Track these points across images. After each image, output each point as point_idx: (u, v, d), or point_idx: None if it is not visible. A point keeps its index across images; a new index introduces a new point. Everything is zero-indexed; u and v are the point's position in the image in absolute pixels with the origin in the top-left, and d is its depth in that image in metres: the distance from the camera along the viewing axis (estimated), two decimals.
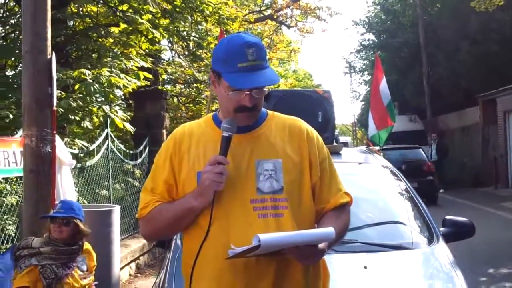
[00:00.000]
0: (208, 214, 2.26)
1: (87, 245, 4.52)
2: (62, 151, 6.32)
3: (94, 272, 4.57)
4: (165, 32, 10.70)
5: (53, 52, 5.27)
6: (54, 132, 5.25)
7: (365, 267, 3.31)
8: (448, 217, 4.21)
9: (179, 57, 15.90)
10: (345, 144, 35.82)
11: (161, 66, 15.01)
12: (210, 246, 2.26)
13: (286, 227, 2.24)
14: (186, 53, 14.31)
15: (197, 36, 12.44)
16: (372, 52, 36.78)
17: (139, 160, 10.87)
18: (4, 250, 5.32)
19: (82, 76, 8.05)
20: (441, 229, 4.05)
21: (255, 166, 2.31)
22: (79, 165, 7.93)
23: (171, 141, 2.45)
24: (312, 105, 4.89)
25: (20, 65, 7.22)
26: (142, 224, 2.44)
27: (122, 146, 10.16)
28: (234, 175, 2.27)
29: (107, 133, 8.96)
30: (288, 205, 2.30)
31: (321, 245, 2.19)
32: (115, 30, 10.93)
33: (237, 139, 2.30)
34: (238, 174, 2.29)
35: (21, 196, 5.80)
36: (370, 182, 4.57)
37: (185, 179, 2.35)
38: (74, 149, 7.99)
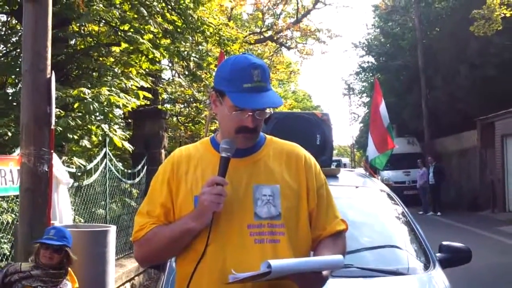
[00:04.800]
0: (204, 238, 2.24)
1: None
2: (60, 170, 6.32)
3: None
4: (165, 52, 10.76)
5: (53, 71, 5.29)
6: (52, 151, 5.25)
7: None
8: (444, 243, 4.19)
9: (179, 77, 15.97)
10: (344, 165, 35.73)
11: (161, 85, 15.05)
12: (205, 269, 2.24)
13: (283, 254, 2.23)
14: (186, 73, 14.36)
15: (197, 56, 12.49)
16: (371, 74, 37.00)
17: (137, 180, 10.85)
18: None
19: (82, 95, 8.08)
20: (438, 254, 4.03)
21: (253, 191, 2.30)
22: (76, 183, 7.92)
23: (169, 164, 2.42)
24: (310, 127, 4.89)
25: (21, 83, 7.25)
26: (136, 247, 2.40)
27: (120, 165, 10.15)
28: (231, 199, 2.25)
29: (105, 152, 8.95)
30: (285, 231, 2.28)
31: (325, 272, 2.18)
32: (116, 49, 10.99)
33: (235, 163, 2.28)
34: (236, 198, 2.27)
35: (17, 214, 5.78)
36: (367, 206, 4.55)
37: (182, 203, 2.33)
38: (72, 167, 7.98)
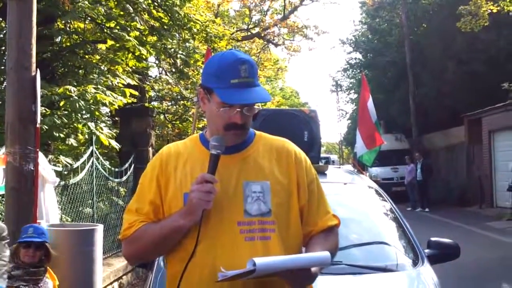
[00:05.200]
0: (194, 236, 2.22)
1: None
2: (46, 168, 6.26)
3: None
4: (152, 49, 10.70)
5: (38, 69, 5.24)
6: (37, 149, 5.21)
7: None
8: (433, 239, 4.19)
9: (166, 74, 15.91)
10: (333, 162, 35.84)
11: (148, 83, 14.98)
12: (196, 268, 2.22)
13: (274, 251, 2.21)
14: (173, 70, 14.30)
15: (184, 53, 12.43)
16: (359, 71, 37.05)
17: (124, 178, 10.79)
18: None
19: (68, 92, 8.01)
20: (426, 250, 4.03)
21: (243, 188, 2.27)
22: (62, 182, 7.85)
23: (157, 161, 2.40)
24: (298, 124, 4.88)
25: (5, 81, 7.17)
26: (125, 245, 2.37)
27: (107, 164, 10.08)
28: (221, 197, 2.23)
29: (92, 150, 8.88)
30: (276, 228, 2.26)
31: (313, 269, 2.16)
32: (102, 46, 10.91)
33: (224, 160, 2.26)
34: (225, 195, 2.25)
35: (3, 213, 5.73)
36: (355, 203, 4.54)
37: (171, 200, 2.30)
38: (58, 166, 7.91)
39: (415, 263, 3.78)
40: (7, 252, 3.76)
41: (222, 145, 2.24)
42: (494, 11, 18.13)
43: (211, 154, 2.23)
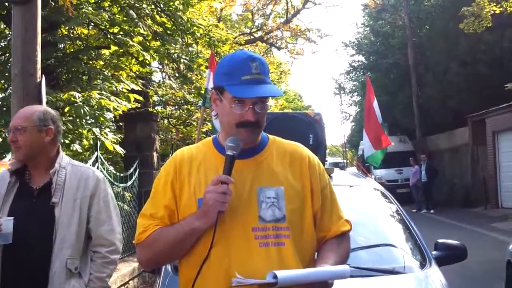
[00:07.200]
0: (208, 241, 2.22)
1: None
2: None
3: None
4: (155, 54, 10.71)
5: (43, 75, 5.25)
6: None
7: None
8: (440, 240, 4.18)
9: (170, 79, 15.92)
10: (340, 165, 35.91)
11: (151, 88, 14.99)
12: (211, 271, 2.22)
13: (288, 257, 2.22)
14: (177, 75, 14.32)
15: (187, 58, 12.45)
16: (362, 73, 37.04)
17: (129, 183, 10.78)
18: None
19: (72, 98, 8.02)
20: (434, 252, 4.01)
21: (257, 194, 2.27)
22: None
23: (171, 165, 2.38)
24: (303, 127, 4.86)
25: (10, 87, 7.19)
26: (140, 249, 2.36)
27: (112, 169, 10.08)
28: (235, 202, 2.22)
29: (97, 155, 8.89)
30: (290, 234, 2.26)
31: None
32: (105, 52, 10.92)
33: (238, 165, 2.25)
34: (240, 201, 2.25)
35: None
36: (361, 205, 4.53)
37: (186, 206, 2.30)
38: None
39: (422, 265, 3.76)
40: (104, 273, 3.26)
41: (238, 146, 2.23)
42: (497, 12, 18.09)
43: (227, 155, 2.23)
